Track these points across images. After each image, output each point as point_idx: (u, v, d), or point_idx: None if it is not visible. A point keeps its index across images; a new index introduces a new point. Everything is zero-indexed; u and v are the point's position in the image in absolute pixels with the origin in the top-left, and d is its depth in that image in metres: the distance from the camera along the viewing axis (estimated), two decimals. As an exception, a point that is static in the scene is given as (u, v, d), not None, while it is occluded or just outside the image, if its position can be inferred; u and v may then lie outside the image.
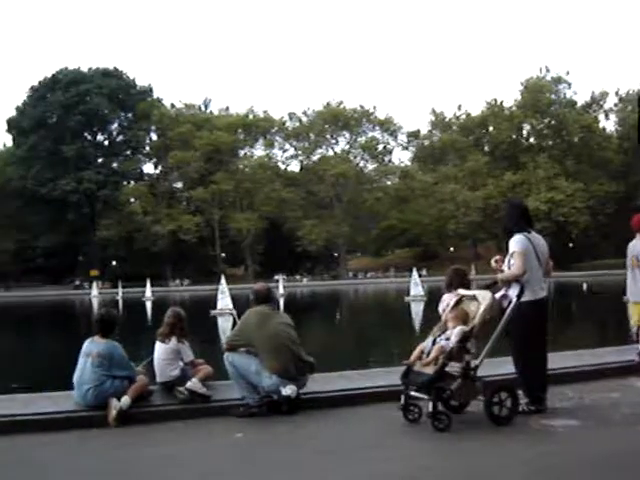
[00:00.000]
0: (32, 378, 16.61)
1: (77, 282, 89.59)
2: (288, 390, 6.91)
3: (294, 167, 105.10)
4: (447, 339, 6.36)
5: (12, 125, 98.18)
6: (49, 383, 12.79)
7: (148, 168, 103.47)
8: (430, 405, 6.13)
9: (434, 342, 6.47)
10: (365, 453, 5.68)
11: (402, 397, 6.43)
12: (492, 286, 6.71)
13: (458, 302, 6.68)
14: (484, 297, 6.47)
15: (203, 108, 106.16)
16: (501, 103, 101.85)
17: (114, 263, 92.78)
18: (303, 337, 7.62)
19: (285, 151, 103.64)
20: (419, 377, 6.28)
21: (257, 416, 6.92)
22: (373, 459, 5.49)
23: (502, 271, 6.72)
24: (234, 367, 7.12)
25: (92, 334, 7.10)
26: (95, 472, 5.37)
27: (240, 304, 33.14)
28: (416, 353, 6.52)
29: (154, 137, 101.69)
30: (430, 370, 6.21)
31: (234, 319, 24.21)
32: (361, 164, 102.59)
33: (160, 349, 7.45)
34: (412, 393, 6.35)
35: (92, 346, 6.94)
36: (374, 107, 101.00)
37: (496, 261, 6.91)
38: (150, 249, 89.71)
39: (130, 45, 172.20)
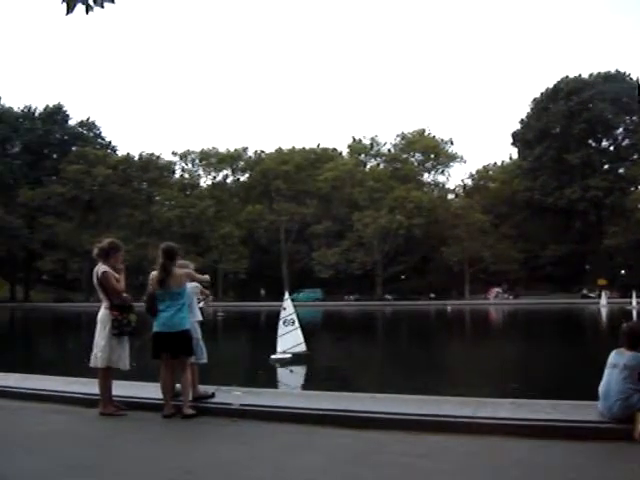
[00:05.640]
0: (539, 383, 16.94)
1: (584, 291, 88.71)
2: None
3: None
4: None
5: (517, 138, 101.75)
6: (556, 390, 12.92)
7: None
8: None
9: None
10: None
11: None
12: None
13: None
14: None
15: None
16: None
17: (622, 272, 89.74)
18: None
19: None
20: None
21: None
22: None
23: None
24: None
25: (618, 346, 6.96)
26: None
27: None
28: None
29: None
30: None
31: None
32: None
33: None
34: None
35: (619, 358, 6.79)
36: None
37: None
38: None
39: None
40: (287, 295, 24.72)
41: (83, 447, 7.02)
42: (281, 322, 23.02)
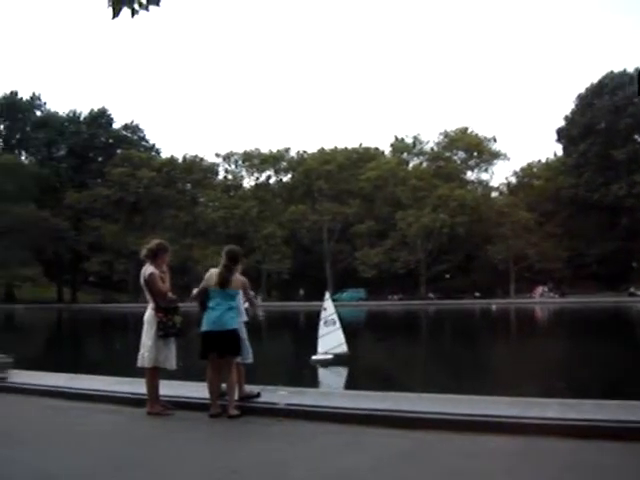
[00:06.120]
0: (586, 383, 16.69)
1: (631, 289, 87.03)
2: None
3: None
4: None
5: (561, 134, 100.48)
6: (603, 390, 12.73)
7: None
8: None
9: None
10: None
11: None
12: None
13: None
14: None
15: None
16: None
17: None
18: None
19: None
20: None
21: None
22: None
23: None
24: None
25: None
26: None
27: None
28: None
29: None
30: None
31: None
32: None
33: None
34: None
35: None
36: None
37: None
38: None
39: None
40: (327, 295, 24.19)
41: (130, 446, 7.12)
42: (322, 322, 22.49)
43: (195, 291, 8.79)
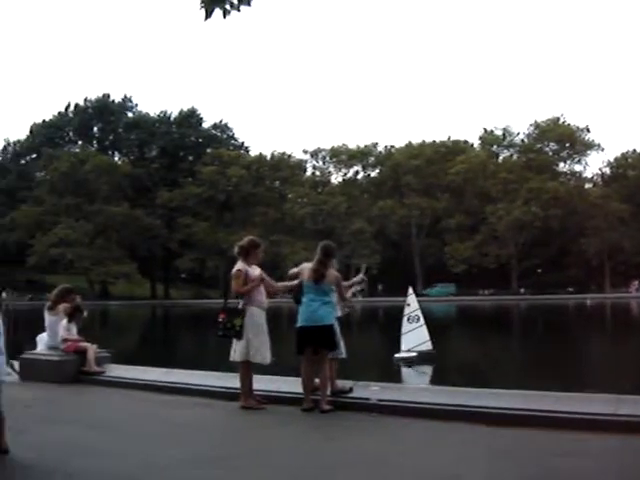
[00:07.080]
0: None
1: None
2: None
3: None
4: None
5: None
6: None
7: None
8: None
9: None
10: None
11: None
12: None
13: None
14: None
15: None
16: None
17: None
18: None
19: None
20: None
21: None
22: None
23: None
24: None
25: None
26: None
27: None
28: None
29: None
30: None
31: None
32: None
33: None
34: None
35: None
36: None
37: None
38: None
39: None
40: (411, 290, 23.24)
41: (224, 439, 7.24)
42: (405, 319, 21.73)
43: (281, 285, 8.93)
